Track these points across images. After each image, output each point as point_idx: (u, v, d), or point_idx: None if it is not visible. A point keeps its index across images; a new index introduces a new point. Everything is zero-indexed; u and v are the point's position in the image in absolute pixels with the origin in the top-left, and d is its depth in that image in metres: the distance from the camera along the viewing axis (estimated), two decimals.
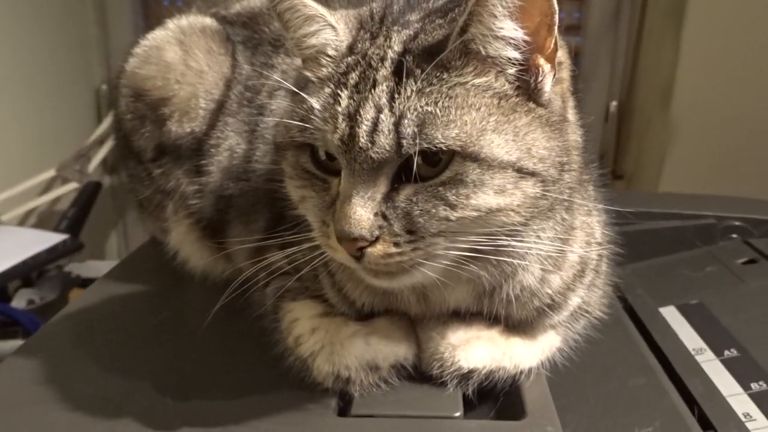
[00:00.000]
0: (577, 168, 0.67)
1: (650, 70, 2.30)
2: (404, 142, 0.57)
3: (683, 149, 2.16)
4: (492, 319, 0.71)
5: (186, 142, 0.94)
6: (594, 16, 2.43)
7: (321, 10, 0.65)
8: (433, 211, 0.58)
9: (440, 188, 0.58)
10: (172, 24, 0.98)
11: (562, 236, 0.68)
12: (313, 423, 0.66)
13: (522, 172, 0.59)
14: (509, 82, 0.61)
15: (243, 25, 0.99)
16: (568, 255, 0.70)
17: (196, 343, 0.83)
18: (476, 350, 0.69)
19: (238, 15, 1.01)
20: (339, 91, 0.61)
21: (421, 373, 0.71)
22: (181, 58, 0.95)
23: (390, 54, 0.61)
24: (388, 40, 0.62)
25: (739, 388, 0.81)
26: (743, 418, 0.75)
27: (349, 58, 0.63)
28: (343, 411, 0.68)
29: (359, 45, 0.64)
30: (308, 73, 0.66)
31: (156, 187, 0.98)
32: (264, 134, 0.89)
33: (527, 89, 0.61)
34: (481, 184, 0.58)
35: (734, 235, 1.17)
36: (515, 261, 0.64)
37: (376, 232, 0.59)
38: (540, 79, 0.61)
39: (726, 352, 0.88)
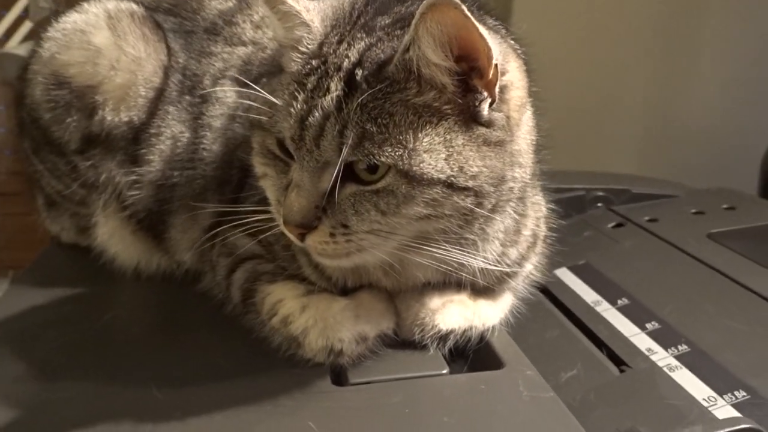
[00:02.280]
0: (530, 165, 0.74)
1: None
2: (345, 150, 0.62)
3: None
4: (460, 286, 0.78)
5: (121, 132, 0.90)
6: None
7: (297, 7, 0.68)
8: (366, 214, 0.65)
9: (374, 196, 0.64)
10: (94, 8, 0.92)
11: (516, 217, 0.77)
12: (314, 395, 0.69)
13: (453, 188, 0.64)
14: (448, 103, 0.64)
15: (167, 11, 0.96)
16: (523, 231, 0.80)
17: (157, 336, 0.81)
18: (451, 313, 0.76)
19: (158, 1, 0.98)
20: (297, 93, 0.65)
21: (400, 341, 0.77)
22: (114, 43, 0.90)
23: (345, 64, 0.65)
24: (349, 47, 0.66)
25: (637, 329, 0.95)
26: (646, 353, 0.89)
27: (314, 61, 0.67)
28: (339, 382, 0.71)
29: (325, 48, 0.67)
30: (284, 62, 0.70)
31: (82, 182, 0.92)
32: (211, 123, 0.88)
33: (467, 110, 0.65)
34: (411, 197, 0.64)
35: (599, 204, 1.35)
36: (464, 255, 0.70)
37: (315, 223, 0.66)
38: (477, 103, 0.65)
39: (619, 302, 1.02)
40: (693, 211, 1.29)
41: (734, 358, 0.85)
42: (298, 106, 0.65)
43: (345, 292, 0.79)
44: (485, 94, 0.65)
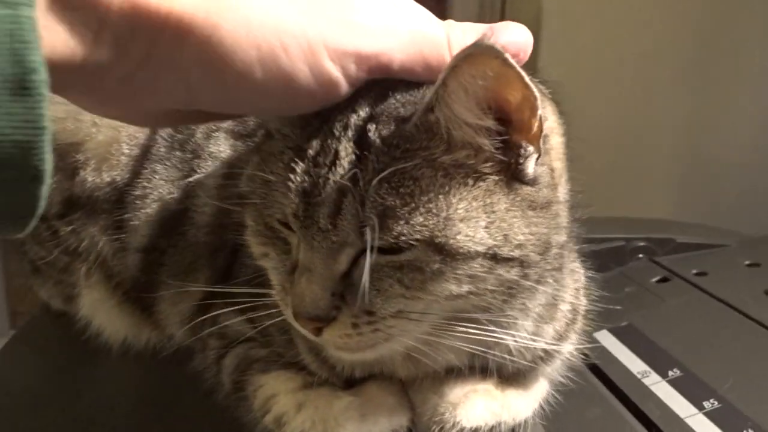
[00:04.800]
0: (567, 225, 0.63)
1: None
2: (366, 231, 0.51)
3: None
4: (485, 372, 0.67)
5: (104, 194, 0.82)
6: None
7: None
8: (389, 290, 0.53)
9: (397, 271, 0.53)
10: None
11: (553, 288, 0.65)
12: None
13: (496, 260, 0.54)
14: (486, 162, 0.54)
15: None
16: (560, 305, 0.68)
17: (137, 427, 0.71)
18: (476, 407, 0.64)
19: None
20: (295, 163, 0.53)
21: None
22: None
23: (354, 120, 0.53)
24: (355, 98, 0.54)
25: (693, 409, 0.83)
26: None
27: (315, 120, 0.55)
28: None
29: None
30: (271, 126, 0.58)
31: (64, 248, 0.83)
32: (203, 181, 0.79)
33: (508, 168, 0.54)
34: (441, 273, 0.52)
35: (641, 255, 1.23)
36: (501, 332, 0.59)
37: (333, 313, 0.54)
38: (522, 160, 0.55)
39: (670, 373, 0.90)
40: (747, 263, 1.17)
41: None
42: (298, 178, 0.53)
43: (349, 381, 0.68)
44: (531, 148, 0.54)
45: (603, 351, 0.98)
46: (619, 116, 2.08)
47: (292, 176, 0.53)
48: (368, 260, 0.51)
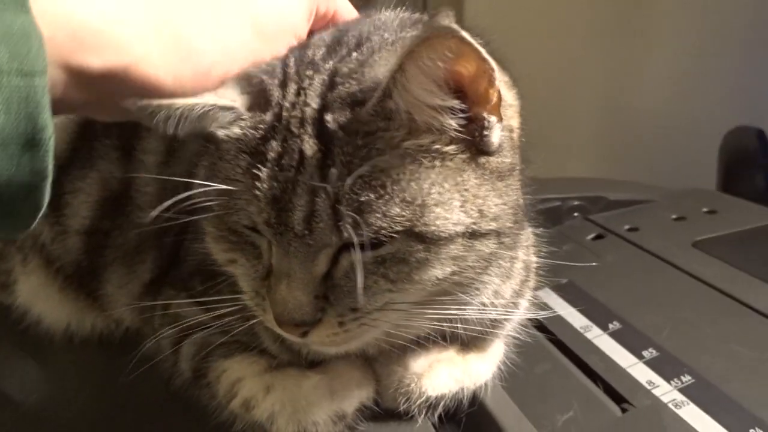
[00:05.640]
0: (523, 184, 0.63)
1: None
2: (344, 229, 0.50)
3: None
4: (446, 338, 0.68)
5: None
6: None
7: None
8: (374, 287, 0.53)
9: (380, 266, 0.53)
10: None
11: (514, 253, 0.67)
12: None
13: (474, 236, 0.54)
14: (450, 141, 0.53)
15: None
16: (515, 263, 0.69)
17: (91, 424, 0.68)
18: (440, 375, 0.66)
19: None
20: (257, 168, 0.52)
21: (383, 410, 0.66)
22: None
23: (309, 112, 0.52)
24: (303, 92, 0.53)
25: (634, 359, 0.87)
26: (648, 386, 0.81)
27: (267, 116, 0.53)
28: None
29: (274, 94, 0.54)
30: (214, 128, 0.54)
31: None
32: (142, 159, 0.75)
33: (473, 142, 0.54)
34: (426, 261, 0.53)
35: (576, 214, 1.27)
36: (475, 303, 0.61)
37: (319, 315, 0.53)
38: (486, 132, 0.54)
39: (610, 326, 0.94)
40: (673, 216, 1.23)
41: (743, 389, 0.78)
42: (265, 185, 0.51)
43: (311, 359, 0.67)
44: (493, 119, 0.54)
45: (546, 308, 1.01)
46: (537, 78, 2.11)
47: (258, 184, 0.51)
48: (359, 258, 0.50)
